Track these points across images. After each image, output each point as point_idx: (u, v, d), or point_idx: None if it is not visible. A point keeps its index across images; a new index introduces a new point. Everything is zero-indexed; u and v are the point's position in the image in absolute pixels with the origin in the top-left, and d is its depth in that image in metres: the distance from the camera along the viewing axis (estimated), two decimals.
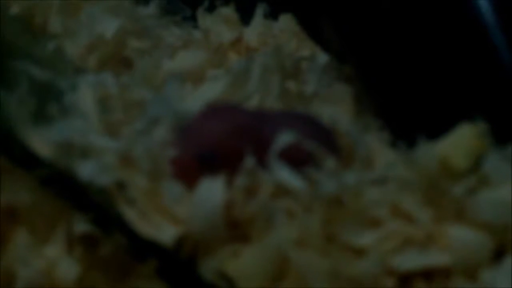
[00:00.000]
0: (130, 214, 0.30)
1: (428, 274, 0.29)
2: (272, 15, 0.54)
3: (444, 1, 0.35)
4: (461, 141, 0.30)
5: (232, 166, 0.31)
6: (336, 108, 0.39)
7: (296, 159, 0.31)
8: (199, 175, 0.30)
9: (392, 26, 0.36)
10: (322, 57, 0.44)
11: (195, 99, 0.36)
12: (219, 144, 0.31)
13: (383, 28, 0.37)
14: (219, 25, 0.53)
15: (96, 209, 0.30)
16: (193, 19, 0.56)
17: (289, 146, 0.31)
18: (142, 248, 0.30)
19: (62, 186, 0.30)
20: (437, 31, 0.35)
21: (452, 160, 0.29)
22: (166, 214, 0.30)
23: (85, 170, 0.30)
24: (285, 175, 0.30)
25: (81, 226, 0.30)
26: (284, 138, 0.31)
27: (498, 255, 0.29)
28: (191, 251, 0.30)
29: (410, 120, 0.36)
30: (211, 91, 0.37)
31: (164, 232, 0.29)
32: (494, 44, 0.34)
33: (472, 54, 0.34)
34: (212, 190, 0.30)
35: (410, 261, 0.29)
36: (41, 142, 0.32)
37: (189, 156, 0.31)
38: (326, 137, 0.34)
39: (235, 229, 0.30)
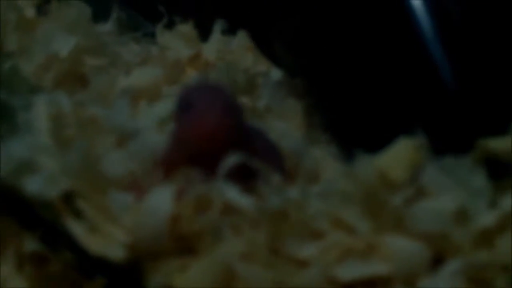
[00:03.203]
0: (78, 228, 0.31)
1: (369, 283, 0.31)
2: (230, 31, 0.55)
3: (388, 23, 0.36)
4: (399, 154, 0.31)
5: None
6: (287, 123, 0.41)
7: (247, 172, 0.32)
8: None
9: (339, 45, 0.38)
10: (276, 73, 0.46)
11: (147, 117, 0.37)
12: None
13: (331, 47, 0.38)
14: (177, 41, 0.55)
15: (44, 226, 0.31)
16: (154, 35, 0.57)
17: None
18: (90, 265, 0.31)
19: (10, 204, 0.31)
20: (381, 51, 0.36)
21: (390, 172, 0.31)
22: (114, 225, 0.31)
23: (32, 184, 0.31)
24: (233, 193, 0.32)
25: (30, 244, 0.31)
26: (232, 159, 0.32)
27: (436, 263, 0.31)
28: (138, 263, 0.31)
29: (354, 134, 0.37)
30: (163, 108, 0.38)
31: (113, 245, 0.30)
32: (433, 60, 0.35)
33: (412, 70, 0.36)
34: (160, 201, 0.31)
35: (352, 271, 0.30)
36: None
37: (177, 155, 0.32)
38: (275, 151, 0.35)
39: (183, 242, 0.31)
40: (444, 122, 0.35)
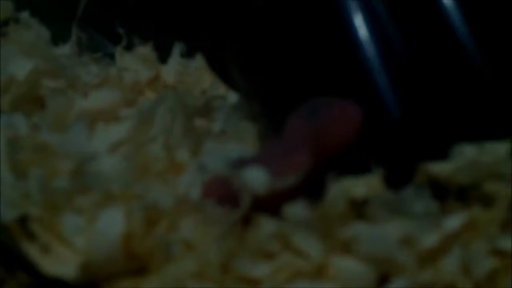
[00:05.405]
0: (32, 250, 0.32)
1: None
2: (189, 54, 0.57)
3: (335, 52, 0.38)
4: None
5: None
6: (242, 145, 0.42)
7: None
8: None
9: (290, 71, 0.40)
10: (233, 96, 0.48)
11: (100, 140, 0.38)
12: None
13: (283, 72, 0.40)
14: (136, 63, 0.56)
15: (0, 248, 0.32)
16: (114, 56, 0.58)
17: None
18: (46, 285, 0.32)
19: None
20: (328, 78, 0.38)
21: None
22: (67, 246, 0.32)
23: None
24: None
25: None
26: None
27: (382, 283, 0.32)
28: (93, 283, 0.32)
29: None
30: (116, 132, 0.40)
31: (66, 266, 0.32)
32: (377, 88, 0.37)
33: (357, 98, 0.37)
34: (112, 221, 0.32)
35: None
36: None
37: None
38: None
39: (136, 261, 0.33)
40: (388, 148, 0.36)
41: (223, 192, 0.34)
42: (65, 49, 0.56)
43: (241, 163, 0.35)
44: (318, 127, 0.34)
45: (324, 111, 0.34)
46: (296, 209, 0.33)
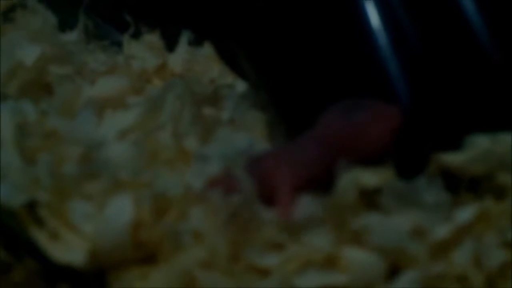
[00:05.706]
0: (41, 236, 0.32)
1: None
2: (197, 42, 0.56)
3: (348, 42, 0.38)
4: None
5: None
6: (250, 134, 0.42)
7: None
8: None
9: (301, 61, 0.39)
10: (241, 85, 0.47)
11: (108, 127, 0.38)
12: None
13: (294, 61, 0.40)
14: (143, 51, 0.56)
15: (8, 234, 0.32)
16: (121, 44, 0.58)
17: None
18: (54, 272, 0.32)
19: None
20: (341, 68, 0.38)
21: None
22: (75, 233, 0.32)
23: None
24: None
25: None
26: None
27: (393, 274, 0.32)
28: (101, 270, 0.32)
29: None
30: (125, 119, 0.39)
31: (74, 252, 0.31)
32: (389, 78, 0.37)
33: (369, 88, 0.37)
34: (121, 208, 0.32)
35: (311, 281, 0.32)
36: None
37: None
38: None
39: (144, 249, 0.32)
40: (400, 138, 0.36)
41: (230, 183, 0.34)
42: (72, 36, 0.56)
43: (252, 161, 0.35)
44: (355, 128, 0.34)
45: (362, 112, 0.34)
46: (305, 205, 0.32)
